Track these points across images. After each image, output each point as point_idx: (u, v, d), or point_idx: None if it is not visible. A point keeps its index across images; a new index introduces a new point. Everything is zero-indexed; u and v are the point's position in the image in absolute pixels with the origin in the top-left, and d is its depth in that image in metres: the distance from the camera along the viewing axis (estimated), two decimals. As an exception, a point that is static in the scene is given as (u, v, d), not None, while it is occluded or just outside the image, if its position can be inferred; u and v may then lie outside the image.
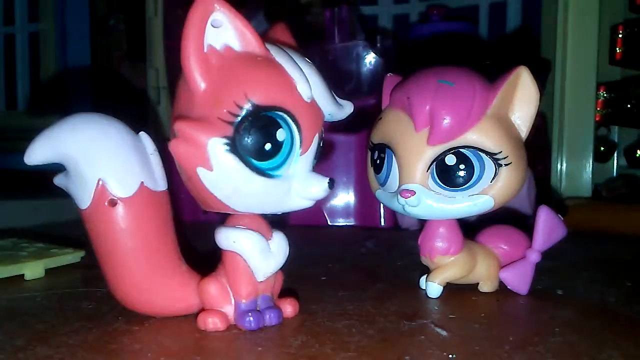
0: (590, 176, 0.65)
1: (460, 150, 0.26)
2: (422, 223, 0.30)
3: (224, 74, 0.21)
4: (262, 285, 0.24)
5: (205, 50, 0.21)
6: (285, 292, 0.26)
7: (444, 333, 0.23)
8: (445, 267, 0.29)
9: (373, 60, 0.60)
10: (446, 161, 0.26)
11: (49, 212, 0.54)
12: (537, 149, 0.67)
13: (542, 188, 0.61)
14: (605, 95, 0.69)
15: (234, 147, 0.21)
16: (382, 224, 0.56)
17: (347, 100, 0.24)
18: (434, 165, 0.26)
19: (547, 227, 0.28)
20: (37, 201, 0.55)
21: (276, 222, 0.25)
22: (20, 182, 0.65)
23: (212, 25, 0.21)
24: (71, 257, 0.35)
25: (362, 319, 0.25)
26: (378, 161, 0.28)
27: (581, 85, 0.64)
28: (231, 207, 0.22)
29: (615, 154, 0.74)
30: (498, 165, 0.26)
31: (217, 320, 0.23)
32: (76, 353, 0.20)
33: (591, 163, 0.65)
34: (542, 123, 0.69)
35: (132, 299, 0.24)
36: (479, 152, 0.26)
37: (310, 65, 0.23)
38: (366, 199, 0.55)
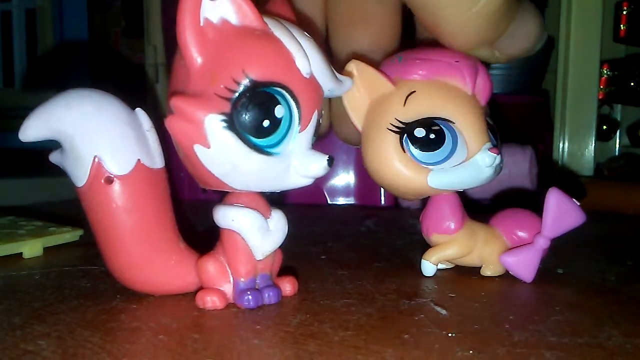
0: (593, 155, 0.64)
1: (487, 110, 0.28)
2: (424, 201, 0.30)
3: (221, 49, 0.20)
4: (260, 263, 0.24)
5: (201, 24, 0.20)
6: (284, 270, 0.26)
7: (443, 312, 0.23)
8: (441, 246, 0.28)
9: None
10: (488, 121, 0.27)
11: (47, 190, 0.54)
12: (538, 127, 0.66)
13: (546, 166, 0.60)
14: (608, 72, 0.69)
15: (232, 123, 0.20)
16: (383, 202, 0.56)
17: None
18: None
19: (557, 211, 0.27)
20: (36, 179, 0.55)
21: (275, 200, 0.25)
22: (18, 161, 0.64)
23: None
24: (69, 235, 0.35)
25: (362, 297, 0.25)
26: (432, 136, 0.26)
27: (584, 63, 0.64)
28: (229, 184, 0.22)
29: (618, 133, 0.74)
30: None
31: (215, 299, 0.23)
32: (74, 331, 0.20)
33: (593, 142, 0.64)
34: (544, 101, 0.68)
35: (129, 276, 0.23)
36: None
37: (310, 40, 0.22)
38: (367, 178, 0.55)
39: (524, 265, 0.27)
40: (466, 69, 0.26)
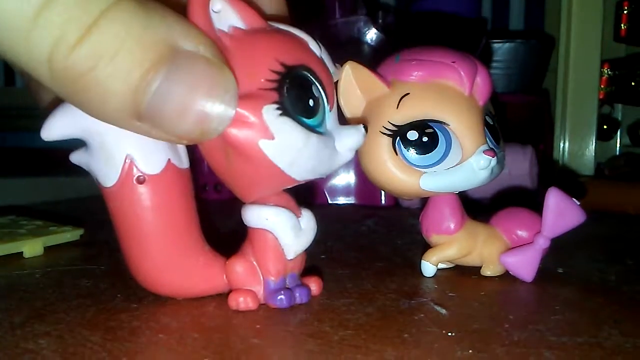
0: (593, 154, 0.64)
1: (489, 110, 0.28)
2: (423, 201, 0.30)
3: (245, 50, 0.21)
4: (290, 263, 0.23)
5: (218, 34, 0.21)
6: (306, 271, 0.25)
7: (443, 311, 0.23)
8: (441, 246, 0.28)
9: (374, 36, 0.60)
10: (488, 120, 0.27)
11: (48, 190, 0.54)
12: (539, 126, 0.66)
13: (546, 166, 0.60)
14: (609, 72, 0.69)
15: (285, 109, 0.21)
16: (383, 202, 0.56)
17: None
18: (485, 126, 0.27)
19: (557, 211, 0.27)
20: (37, 179, 0.55)
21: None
22: (19, 160, 0.64)
23: (214, 11, 0.21)
24: (70, 235, 0.35)
25: (362, 297, 0.25)
26: (425, 139, 0.26)
27: (585, 62, 0.64)
28: (293, 176, 0.22)
29: (619, 132, 0.74)
30: None
31: (248, 300, 0.23)
32: (74, 330, 0.20)
33: (594, 141, 0.64)
34: (544, 100, 0.68)
35: (155, 279, 0.23)
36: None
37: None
38: (367, 178, 0.55)
39: (524, 265, 0.27)
40: (464, 69, 0.26)
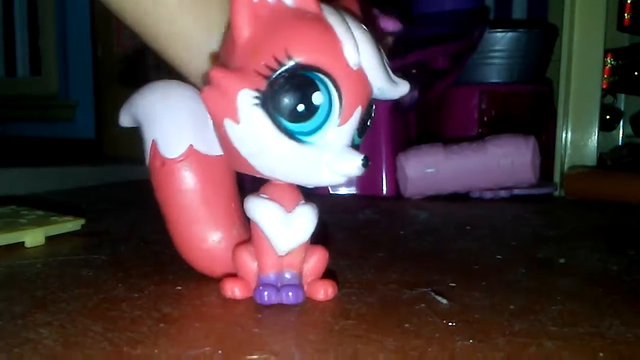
0: (596, 145, 0.64)
1: None
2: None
3: (270, 27, 0.20)
4: (286, 259, 0.23)
5: (255, 0, 0.20)
6: (329, 274, 0.25)
7: (444, 301, 0.23)
8: None
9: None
10: None
11: (49, 180, 0.54)
12: (542, 116, 0.66)
13: (548, 156, 0.60)
14: (612, 62, 0.68)
15: (264, 102, 0.19)
16: (384, 192, 0.56)
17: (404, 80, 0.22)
18: None
19: None
20: (38, 169, 0.55)
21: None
22: (20, 150, 0.64)
23: None
24: (71, 224, 0.35)
25: (363, 287, 0.25)
26: None
27: (588, 52, 0.63)
28: (256, 168, 0.21)
29: (621, 123, 0.73)
30: None
31: (236, 289, 0.23)
32: (75, 319, 0.20)
33: (597, 132, 0.64)
34: (547, 90, 0.68)
35: (186, 255, 0.25)
36: None
37: (366, 34, 0.21)
38: (369, 168, 0.55)
39: None
40: None
